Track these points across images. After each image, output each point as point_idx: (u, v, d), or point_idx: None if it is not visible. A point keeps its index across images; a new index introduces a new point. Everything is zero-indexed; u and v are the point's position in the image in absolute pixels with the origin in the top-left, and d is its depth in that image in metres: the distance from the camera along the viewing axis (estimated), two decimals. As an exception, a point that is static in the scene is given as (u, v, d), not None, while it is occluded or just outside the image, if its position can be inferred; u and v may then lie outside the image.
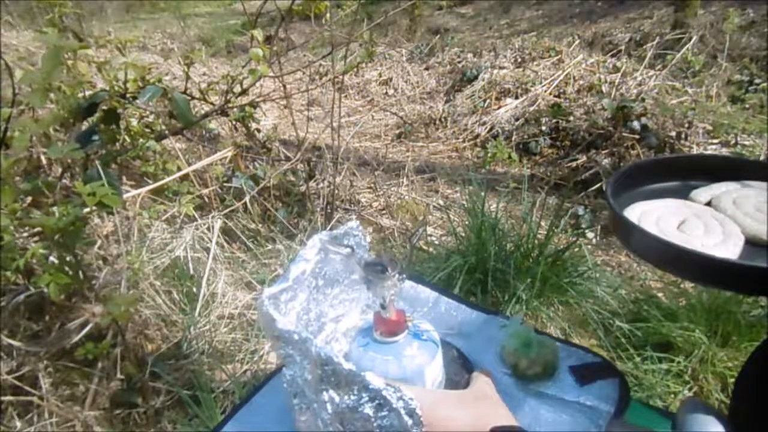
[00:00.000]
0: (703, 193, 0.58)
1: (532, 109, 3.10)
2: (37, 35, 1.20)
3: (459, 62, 4.17)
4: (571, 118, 2.81)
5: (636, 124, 2.39)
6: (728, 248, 0.50)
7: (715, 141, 2.50)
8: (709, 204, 0.57)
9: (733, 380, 1.32)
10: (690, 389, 1.36)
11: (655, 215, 0.54)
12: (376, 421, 0.56)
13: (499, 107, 3.28)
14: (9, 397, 1.21)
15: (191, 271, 1.57)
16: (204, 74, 3.69)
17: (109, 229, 1.51)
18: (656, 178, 0.63)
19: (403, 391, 0.56)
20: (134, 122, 1.68)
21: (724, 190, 0.58)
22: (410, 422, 0.54)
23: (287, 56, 2.90)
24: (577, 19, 5.36)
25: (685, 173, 0.63)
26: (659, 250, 0.48)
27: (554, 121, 2.86)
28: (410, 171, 2.53)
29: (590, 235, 2.10)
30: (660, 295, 1.70)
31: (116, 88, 1.35)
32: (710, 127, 2.55)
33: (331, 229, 0.73)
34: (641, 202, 0.57)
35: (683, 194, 0.60)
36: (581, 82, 3.21)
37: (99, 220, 1.51)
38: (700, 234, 0.51)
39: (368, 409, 0.56)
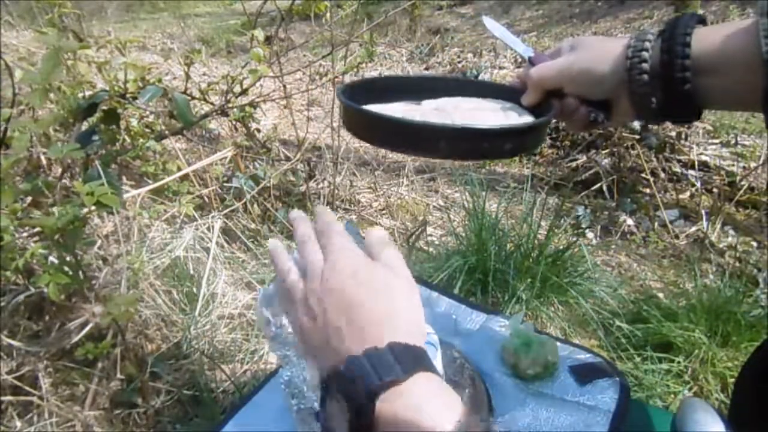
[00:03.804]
0: (431, 102, 0.65)
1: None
2: (37, 35, 1.20)
3: (459, 62, 4.17)
4: (571, 118, 2.81)
5: (636, 124, 2.39)
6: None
7: (715, 141, 2.50)
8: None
9: (733, 380, 1.32)
10: (690, 389, 1.36)
11: (388, 112, 0.59)
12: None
13: (499, 107, 3.28)
14: (9, 397, 1.21)
15: (191, 271, 1.57)
16: (204, 74, 3.70)
17: (109, 229, 1.50)
18: (390, 94, 0.67)
19: None
20: (134, 122, 1.67)
21: (449, 100, 0.66)
22: None
23: (287, 56, 2.90)
24: (577, 19, 5.35)
25: (418, 91, 0.68)
26: (368, 122, 0.55)
27: (554, 121, 2.86)
28: (410, 171, 2.53)
29: (590, 235, 2.10)
30: (660, 295, 1.70)
31: (116, 88, 1.35)
32: (710, 128, 2.55)
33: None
34: (369, 106, 0.62)
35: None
36: (581, 82, 3.20)
37: (99, 220, 1.51)
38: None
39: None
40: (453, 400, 0.38)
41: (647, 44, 0.50)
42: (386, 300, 0.43)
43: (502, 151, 0.54)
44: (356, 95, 0.62)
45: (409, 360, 0.39)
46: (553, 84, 0.57)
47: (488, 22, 0.69)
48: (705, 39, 0.48)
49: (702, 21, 0.51)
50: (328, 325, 0.42)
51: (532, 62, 0.61)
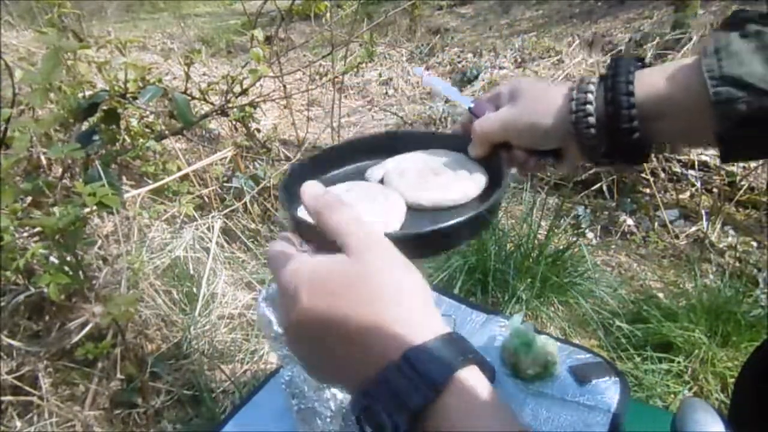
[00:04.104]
0: (376, 170, 0.62)
1: (532, 109, 3.10)
2: (37, 35, 1.20)
3: (459, 62, 4.17)
4: (571, 118, 2.81)
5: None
6: (390, 218, 0.53)
7: (715, 141, 2.50)
8: (383, 180, 0.61)
9: (733, 380, 1.32)
10: (690, 389, 1.36)
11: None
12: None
13: (499, 107, 3.28)
14: (9, 397, 1.21)
15: (191, 271, 1.57)
16: (204, 74, 3.69)
17: (109, 229, 1.50)
18: (334, 165, 0.65)
19: None
20: (134, 122, 1.68)
21: (394, 164, 0.62)
22: None
23: (287, 56, 2.90)
24: (577, 19, 5.35)
25: (360, 155, 0.65)
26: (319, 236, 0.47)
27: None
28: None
29: (590, 235, 2.10)
30: (660, 295, 1.70)
31: (116, 88, 1.35)
32: (710, 127, 2.55)
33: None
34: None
35: (362, 175, 0.63)
36: (581, 82, 3.20)
37: (99, 220, 1.51)
38: (365, 211, 0.52)
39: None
40: (496, 408, 0.32)
41: (590, 96, 0.49)
42: (376, 302, 0.35)
43: (461, 241, 0.51)
44: (301, 177, 0.60)
45: (434, 368, 0.32)
46: (499, 139, 0.56)
47: (419, 73, 0.67)
48: (648, 84, 0.47)
49: (641, 61, 0.50)
50: (323, 357, 0.36)
51: (473, 113, 0.59)
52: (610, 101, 0.48)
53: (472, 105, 0.59)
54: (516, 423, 0.33)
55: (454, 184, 0.56)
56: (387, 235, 0.41)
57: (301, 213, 0.52)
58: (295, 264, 0.38)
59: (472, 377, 0.33)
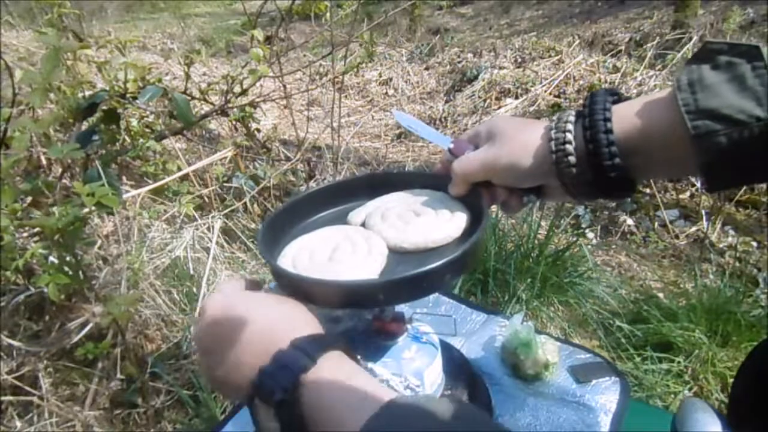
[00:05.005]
0: (358, 214, 0.61)
1: (532, 109, 3.10)
2: (37, 35, 1.20)
3: (459, 62, 4.17)
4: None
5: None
6: (369, 264, 0.52)
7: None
8: (364, 223, 0.60)
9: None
10: (690, 389, 1.36)
11: (309, 249, 0.55)
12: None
13: (499, 107, 3.28)
14: (9, 397, 1.21)
15: (191, 271, 1.57)
16: (204, 74, 3.69)
17: (109, 229, 1.50)
18: (315, 209, 0.65)
19: (410, 379, 0.56)
20: (134, 122, 1.68)
21: (376, 206, 0.61)
22: None
23: (287, 56, 2.90)
24: (577, 19, 5.36)
25: (342, 198, 0.66)
26: (300, 286, 0.50)
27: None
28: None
29: (590, 235, 2.10)
30: (660, 295, 1.70)
31: (116, 88, 1.35)
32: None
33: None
34: (298, 239, 0.58)
35: (344, 218, 0.62)
36: (581, 82, 3.21)
37: (99, 220, 1.51)
38: (347, 257, 0.53)
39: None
40: (364, 375, 0.43)
41: (569, 135, 0.49)
42: (269, 313, 0.47)
43: (444, 282, 0.51)
44: (280, 224, 0.59)
45: (312, 346, 0.43)
46: (479, 178, 0.56)
47: (398, 115, 0.67)
48: (625, 120, 0.47)
49: (616, 94, 0.50)
50: (228, 358, 0.46)
51: (452, 153, 0.58)
52: (590, 139, 0.48)
53: (451, 146, 0.59)
54: (384, 390, 0.41)
55: (436, 226, 0.56)
56: (368, 281, 0.50)
57: (281, 263, 0.53)
58: (216, 296, 0.51)
59: (342, 355, 0.44)
